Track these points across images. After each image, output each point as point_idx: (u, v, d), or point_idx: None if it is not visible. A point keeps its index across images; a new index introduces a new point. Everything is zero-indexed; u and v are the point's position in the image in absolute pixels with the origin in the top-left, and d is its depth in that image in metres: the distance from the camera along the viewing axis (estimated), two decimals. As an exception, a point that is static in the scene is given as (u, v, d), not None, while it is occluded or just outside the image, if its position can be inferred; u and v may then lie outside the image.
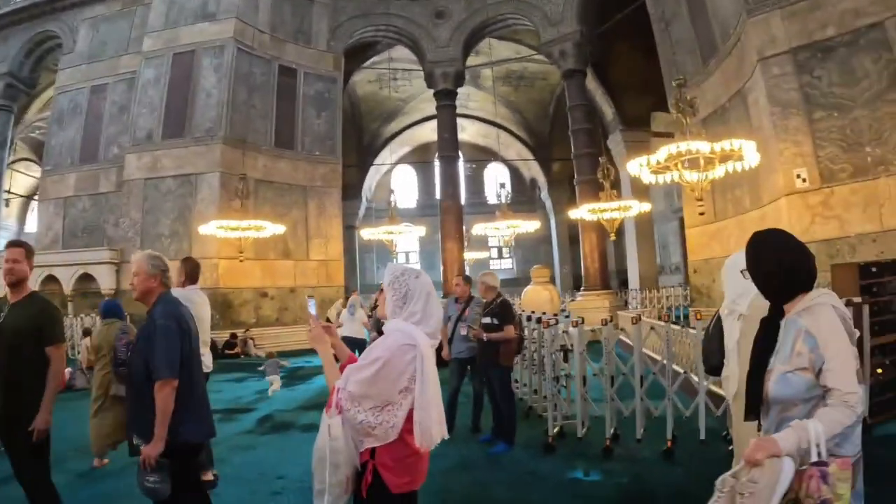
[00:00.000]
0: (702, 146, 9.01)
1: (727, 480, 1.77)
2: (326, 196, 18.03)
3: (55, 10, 19.86)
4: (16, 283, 3.34)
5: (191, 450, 3.07)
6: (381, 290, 2.72)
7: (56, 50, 20.45)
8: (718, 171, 9.50)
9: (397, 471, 2.23)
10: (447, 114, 19.76)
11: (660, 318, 7.73)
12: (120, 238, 16.08)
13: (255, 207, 14.77)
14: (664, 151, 9.33)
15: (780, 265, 1.96)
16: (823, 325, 1.81)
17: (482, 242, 30.36)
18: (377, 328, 9.91)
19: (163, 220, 15.68)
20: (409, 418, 2.23)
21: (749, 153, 9.12)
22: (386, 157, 30.76)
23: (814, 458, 1.66)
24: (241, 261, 14.37)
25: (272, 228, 14.47)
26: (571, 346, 6.27)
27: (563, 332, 6.56)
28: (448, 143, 19.51)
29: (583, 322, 6.23)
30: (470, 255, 22.79)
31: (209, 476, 4.80)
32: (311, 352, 14.40)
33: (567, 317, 11.55)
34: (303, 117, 17.85)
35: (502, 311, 5.97)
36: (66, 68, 18.98)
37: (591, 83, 20.11)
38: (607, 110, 21.73)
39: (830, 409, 1.73)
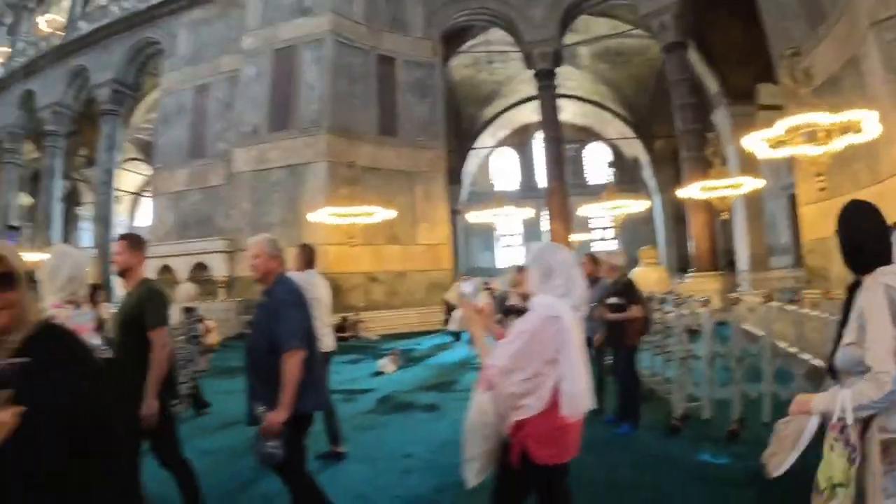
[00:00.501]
0: (820, 118, 8.84)
1: (778, 426, 2.19)
2: (432, 181, 18.72)
3: (153, 18, 21.56)
4: (121, 272, 3.71)
5: (305, 419, 3.36)
6: (522, 269, 3.54)
7: (157, 55, 22.11)
8: (839, 144, 9.22)
9: (543, 442, 2.48)
10: (548, 94, 19.97)
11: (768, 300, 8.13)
12: (231, 228, 17.19)
13: (362, 194, 15.35)
14: (783, 125, 9.20)
15: (848, 237, 2.12)
16: (870, 303, 1.95)
17: (583, 224, 30.33)
18: (501, 309, 10.71)
19: (272, 210, 16.65)
20: (556, 392, 2.44)
21: (869, 124, 8.86)
22: (485, 140, 31.34)
23: (833, 420, 1.95)
24: (352, 246, 15.06)
25: (383, 214, 15.19)
26: (698, 326, 6.39)
27: (691, 312, 6.65)
28: (551, 124, 19.83)
29: (709, 302, 6.62)
30: (573, 238, 23.36)
31: (341, 449, 5.39)
32: (421, 334, 15.32)
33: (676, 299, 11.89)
34: (404, 105, 18.59)
35: (627, 291, 6.08)
36: (170, 71, 20.53)
37: (692, 55, 19.76)
38: (711, 84, 21.20)
39: (863, 382, 1.91)
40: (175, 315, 7.63)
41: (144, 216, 37.19)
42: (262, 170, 17.15)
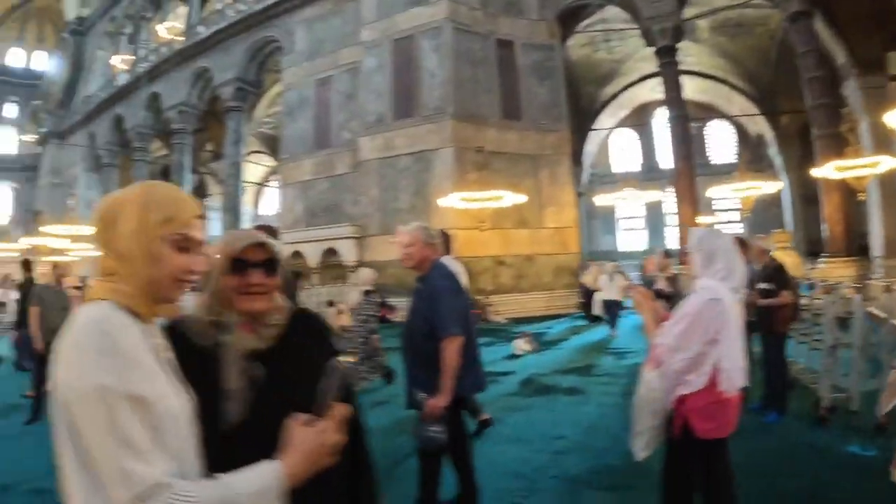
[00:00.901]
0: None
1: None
2: (557, 164, 18.38)
3: (270, 18, 22.22)
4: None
5: (464, 401, 3.53)
6: (667, 253, 3.42)
7: (276, 53, 22.75)
8: None
9: (704, 416, 2.65)
10: (670, 71, 19.00)
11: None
12: (359, 214, 17.50)
13: (489, 179, 15.28)
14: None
15: None
16: None
17: (707, 206, 28.32)
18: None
19: (400, 196, 16.86)
20: (717, 369, 2.64)
21: None
22: (604, 121, 30.58)
23: None
24: (482, 230, 15.04)
25: (512, 198, 15.05)
26: (846, 314, 6.15)
27: (842, 299, 6.37)
28: (675, 102, 18.90)
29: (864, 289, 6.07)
30: (701, 221, 22.29)
31: (486, 416, 5.63)
32: (549, 318, 15.19)
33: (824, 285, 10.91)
34: (526, 88, 18.33)
35: (777, 276, 5.88)
36: (290, 67, 21.03)
37: (817, 24, 18.02)
38: (838, 54, 20.07)
39: None
40: (355, 297, 8.18)
41: (268, 205, 39.02)
42: (389, 157, 17.38)
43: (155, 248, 1.12)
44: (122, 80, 30.72)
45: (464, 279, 5.32)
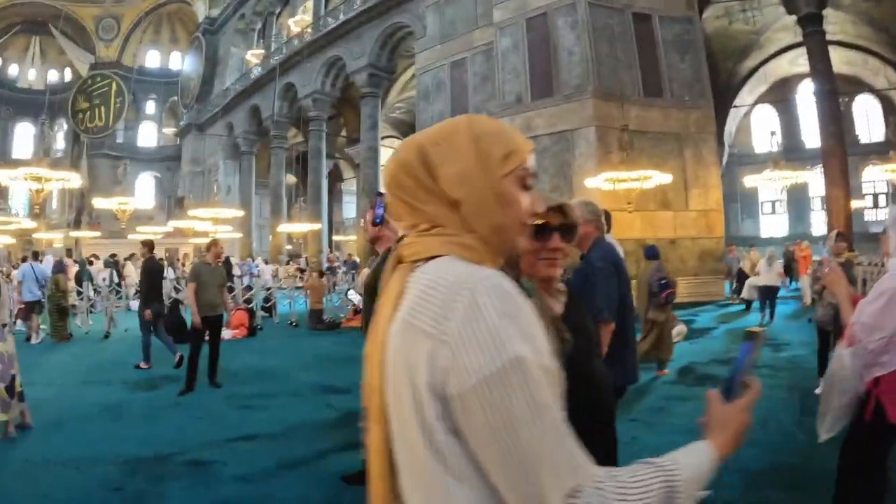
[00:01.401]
0: None
1: None
2: (702, 143, 17.62)
3: (399, 4, 22.55)
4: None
5: (616, 394, 3.09)
6: (841, 236, 3.14)
7: (406, 38, 23.07)
8: None
9: None
10: (816, 41, 18.02)
11: None
12: None
13: (631, 158, 14.88)
14: None
15: None
16: None
17: (856, 189, 26.14)
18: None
19: (541, 177, 16.21)
20: None
21: None
22: (743, 97, 29.19)
23: None
24: (630, 212, 14.62)
25: (659, 178, 14.57)
26: None
27: None
28: (822, 76, 17.88)
29: None
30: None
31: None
32: (696, 305, 14.62)
33: None
34: (667, 63, 17.64)
35: None
36: (423, 51, 21.13)
37: None
38: None
39: None
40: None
41: None
42: (529, 137, 17.16)
43: (502, 188, 0.94)
44: (256, 73, 32.19)
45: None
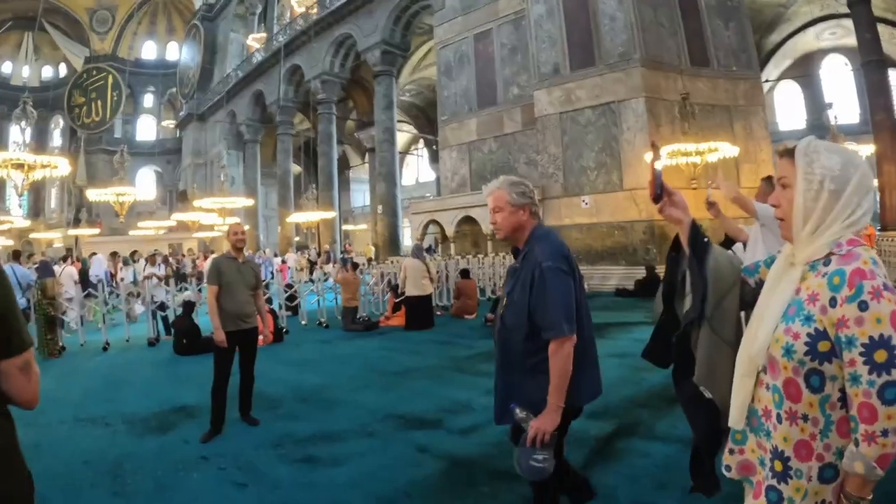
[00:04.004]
0: None
1: None
2: (752, 115, 15.92)
3: None
4: None
5: (575, 414, 2.54)
6: None
7: (421, 12, 21.44)
8: None
9: None
10: (863, 10, 15.61)
11: None
12: (539, 175, 15.69)
13: (690, 131, 12.98)
14: None
15: None
16: None
17: None
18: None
19: (586, 153, 14.90)
20: None
21: None
22: (769, 72, 27.13)
23: None
24: (693, 188, 13.15)
25: (727, 150, 13.07)
26: None
27: None
28: (869, 46, 15.50)
29: None
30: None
31: None
32: None
33: None
34: (712, 30, 15.90)
35: None
36: (442, 24, 19.31)
37: None
38: None
39: None
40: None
41: (413, 173, 38.27)
42: (570, 111, 15.33)
43: None
44: (259, 57, 30.15)
45: None
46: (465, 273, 12.27)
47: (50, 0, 39.56)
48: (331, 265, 18.96)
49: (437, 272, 12.43)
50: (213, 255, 16.06)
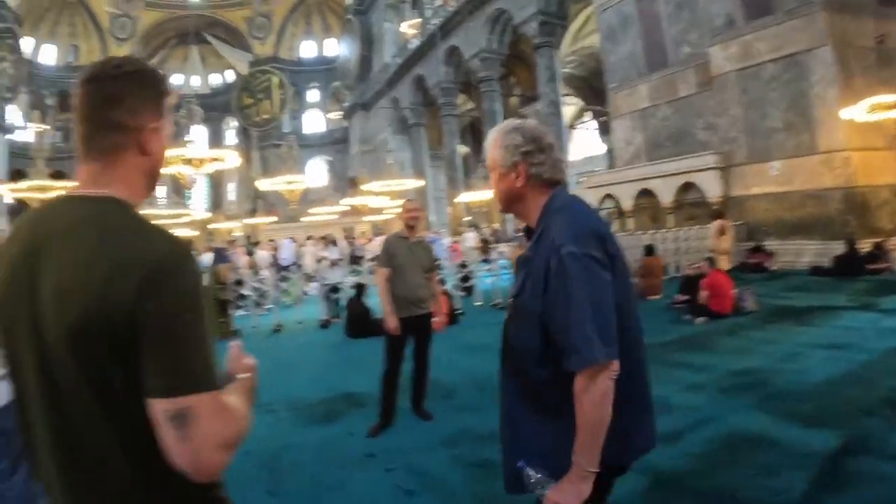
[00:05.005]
0: None
1: None
2: None
3: None
4: None
5: (616, 473, 1.84)
6: None
7: None
8: None
9: None
10: None
11: None
12: (717, 141, 15.52)
13: (888, 81, 12.36)
14: None
15: None
16: None
17: None
18: None
19: (771, 113, 14.46)
20: None
21: None
22: None
23: None
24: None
25: None
26: None
27: None
28: None
29: None
30: None
31: None
32: None
33: None
34: None
35: None
36: None
37: None
38: None
39: None
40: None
41: (580, 148, 38.72)
42: (749, 67, 14.98)
43: None
44: (415, 43, 31.83)
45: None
46: (649, 249, 12.29)
47: (209, 15, 44.39)
48: (503, 244, 19.92)
49: (627, 249, 12.75)
50: (380, 236, 17.75)
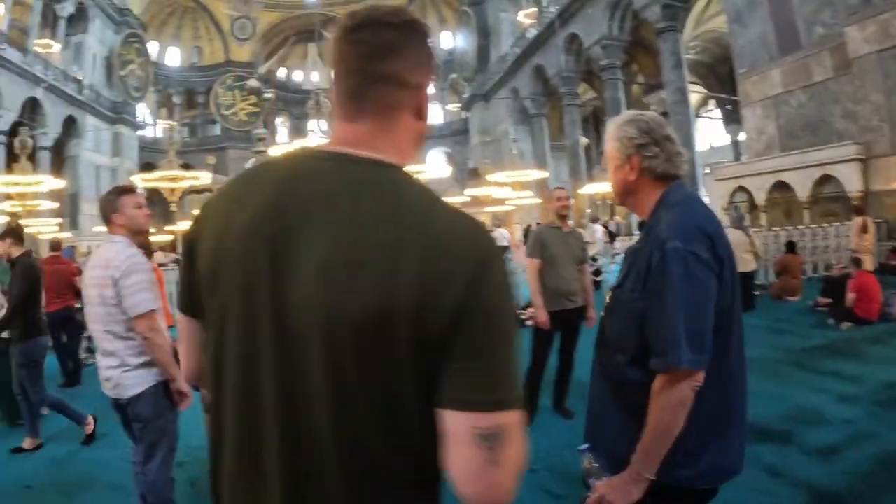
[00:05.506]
0: None
1: None
2: None
3: None
4: None
5: (705, 497, 1.75)
6: None
7: None
8: None
9: None
10: None
11: None
12: (860, 129, 14.82)
13: None
14: None
15: None
16: None
17: None
18: None
19: None
20: None
21: None
22: None
23: None
24: None
25: None
26: None
27: None
28: None
29: None
30: None
31: None
32: None
33: None
34: None
35: None
36: None
37: None
38: None
39: None
40: None
41: (705, 138, 37.80)
42: (890, 48, 14.18)
43: None
44: (533, 32, 32.04)
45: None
46: (790, 246, 11.87)
47: (326, 13, 46.81)
48: (622, 238, 19.83)
49: (763, 245, 12.12)
50: (499, 228, 18.29)
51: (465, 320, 0.87)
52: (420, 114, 1.07)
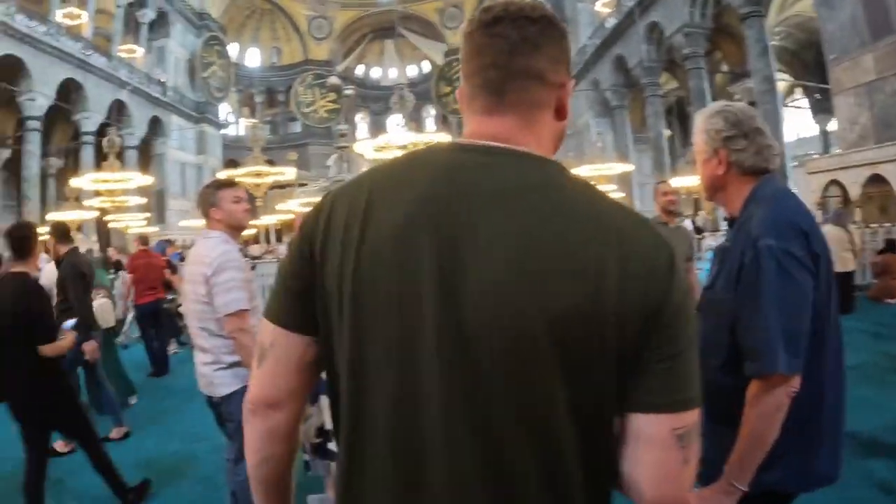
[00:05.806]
0: None
1: None
2: None
3: None
4: None
5: (784, 501, 1.74)
6: None
7: None
8: None
9: None
10: None
11: None
12: None
13: None
14: None
15: None
16: None
17: None
18: None
19: None
20: None
21: None
22: None
23: None
24: None
25: None
26: None
27: None
28: None
29: None
30: None
31: None
32: None
33: None
34: None
35: None
36: None
37: None
38: None
39: None
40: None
41: (792, 129, 36.39)
42: None
43: None
44: (611, 22, 31.57)
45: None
46: (891, 244, 11.48)
47: (401, 10, 47.65)
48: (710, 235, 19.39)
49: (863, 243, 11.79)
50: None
51: (664, 320, 0.86)
52: (561, 113, 1.03)
